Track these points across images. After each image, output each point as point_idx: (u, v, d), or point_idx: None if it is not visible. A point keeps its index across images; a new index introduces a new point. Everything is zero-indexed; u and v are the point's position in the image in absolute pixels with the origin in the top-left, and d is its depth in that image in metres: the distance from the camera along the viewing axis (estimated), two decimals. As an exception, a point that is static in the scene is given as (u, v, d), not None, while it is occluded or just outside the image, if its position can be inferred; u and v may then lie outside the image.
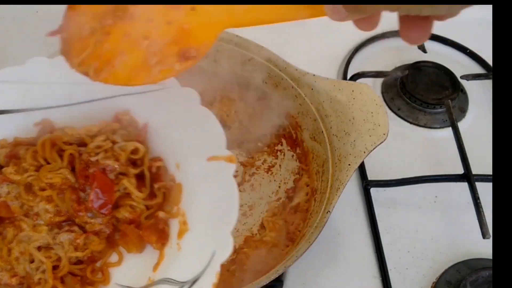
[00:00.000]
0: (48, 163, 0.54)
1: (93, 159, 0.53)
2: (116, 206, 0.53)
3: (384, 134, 0.58)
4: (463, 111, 0.82)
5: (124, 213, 0.53)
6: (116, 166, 0.53)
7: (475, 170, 0.69)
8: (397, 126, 0.79)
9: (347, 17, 0.39)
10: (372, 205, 0.69)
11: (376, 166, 0.73)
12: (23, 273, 0.51)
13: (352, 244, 0.66)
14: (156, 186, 0.54)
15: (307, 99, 0.65)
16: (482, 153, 0.71)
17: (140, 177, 0.55)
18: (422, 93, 0.79)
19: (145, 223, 0.53)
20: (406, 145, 0.77)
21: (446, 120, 0.77)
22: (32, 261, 0.51)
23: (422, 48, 0.86)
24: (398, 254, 0.66)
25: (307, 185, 0.66)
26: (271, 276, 0.52)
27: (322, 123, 0.63)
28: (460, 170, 0.69)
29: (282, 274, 0.60)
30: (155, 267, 0.51)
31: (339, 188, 0.57)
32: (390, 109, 0.81)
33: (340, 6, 0.38)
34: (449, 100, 0.76)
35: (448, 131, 0.75)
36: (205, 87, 0.69)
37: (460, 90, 0.81)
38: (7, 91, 0.56)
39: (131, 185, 0.53)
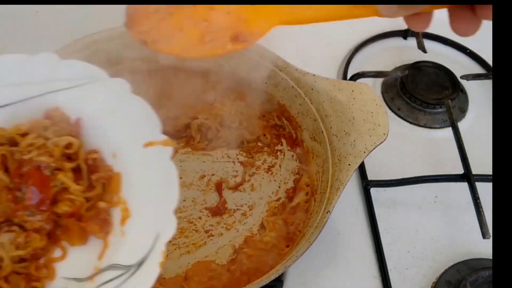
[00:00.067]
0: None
1: (26, 157, 0.52)
2: (55, 201, 0.53)
3: (384, 134, 0.58)
4: (463, 111, 0.82)
5: (63, 208, 0.53)
6: (51, 161, 0.53)
7: (475, 170, 0.69)
8: (397, 126, 0.79)
9: (397, 12, 0.39)
10: (372, 205, 0.69)
11: (376, 166, 0.73)
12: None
13: (352, 244, 0.66)
14: (94, 177, 0.54)
15: (307, 99, 0.65)
16: (482, 153, 0.71)
17: (77, 171, 0.55)
18: (422, 93, 0.79)
19: (86, 215, 0.53)
20: (406, 145, 0.77)
21: (446, 120, 0.77)
22: None
23: (422, 48, 0.85)
24: (398, 254, 0.66)
25: (307, 185, 0.66)
26: (271, 276, 0.52)
27: (322, 123, 0.63)
28: (460, 170, 0.69)
29: (282, 274, 0.60)
30: (101, 256, 0.52)
31: (339, 188, 0.57)
32: (390, 109, 0.81)
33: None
34: (449, 100, 0.77)
35: (448, 131, 0.75)
36: (205, 87, 0.70)
37: (460, 90, 0.81)
38: None
39: (67, 179, 0.53)
